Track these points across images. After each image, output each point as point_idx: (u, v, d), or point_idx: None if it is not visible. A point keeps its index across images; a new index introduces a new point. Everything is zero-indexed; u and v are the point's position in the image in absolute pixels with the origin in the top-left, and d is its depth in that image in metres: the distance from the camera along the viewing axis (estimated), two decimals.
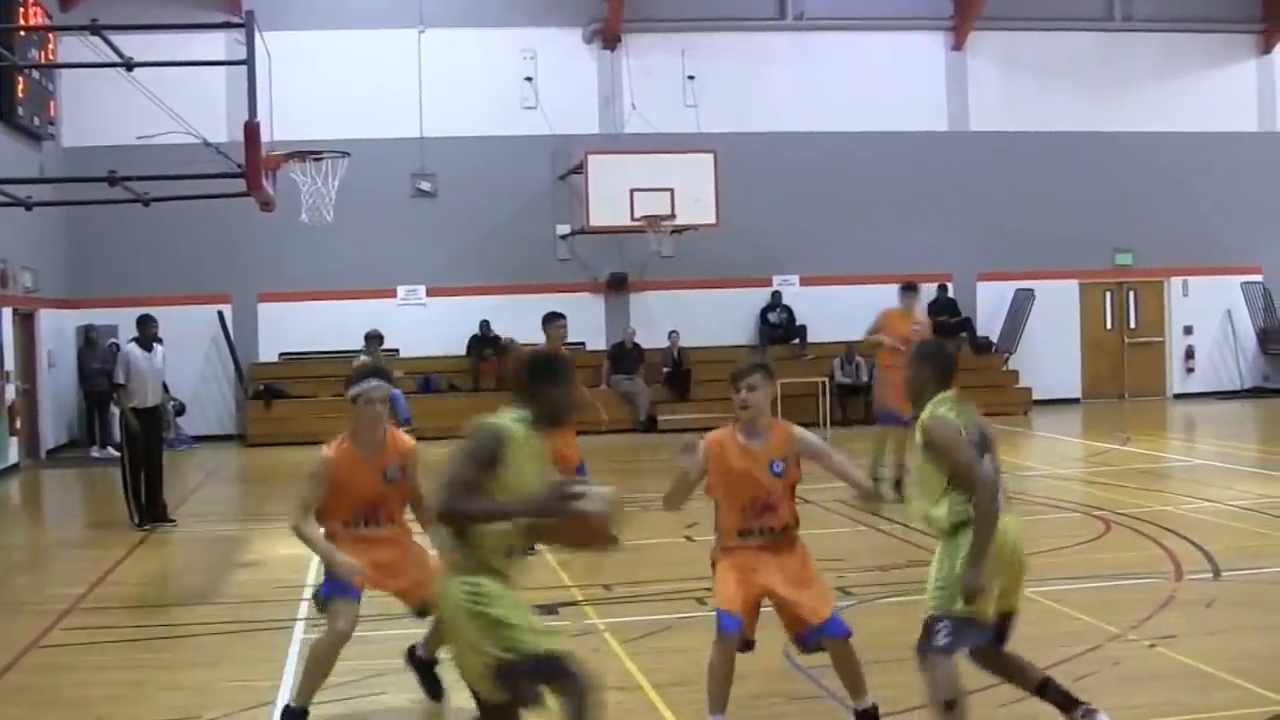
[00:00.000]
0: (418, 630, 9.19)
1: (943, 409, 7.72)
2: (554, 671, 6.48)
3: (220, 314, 30.37)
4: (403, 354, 29.92)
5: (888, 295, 31.35)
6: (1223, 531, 14.94)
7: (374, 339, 28.85)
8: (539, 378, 6.74)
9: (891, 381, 18.46)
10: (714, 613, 8.17)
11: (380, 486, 8.78)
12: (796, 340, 31.68)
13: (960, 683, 7.49)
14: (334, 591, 8.60)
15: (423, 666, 9.15)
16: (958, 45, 33.42)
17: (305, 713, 8.53)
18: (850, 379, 30.31)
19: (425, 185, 31.04)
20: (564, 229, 30.77)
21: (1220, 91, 34.99)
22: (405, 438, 8.98)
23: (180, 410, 28.99)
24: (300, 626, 11.45)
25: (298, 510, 8.72)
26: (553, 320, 16.01)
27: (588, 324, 30.58)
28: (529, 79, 31.21)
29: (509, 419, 6.60)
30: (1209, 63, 35.02)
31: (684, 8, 31.88)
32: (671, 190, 28.27)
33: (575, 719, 6.44)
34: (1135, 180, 33.83)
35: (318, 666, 8.61)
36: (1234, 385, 34.65)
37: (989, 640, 7.69)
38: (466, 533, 6.47)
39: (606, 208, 28.22)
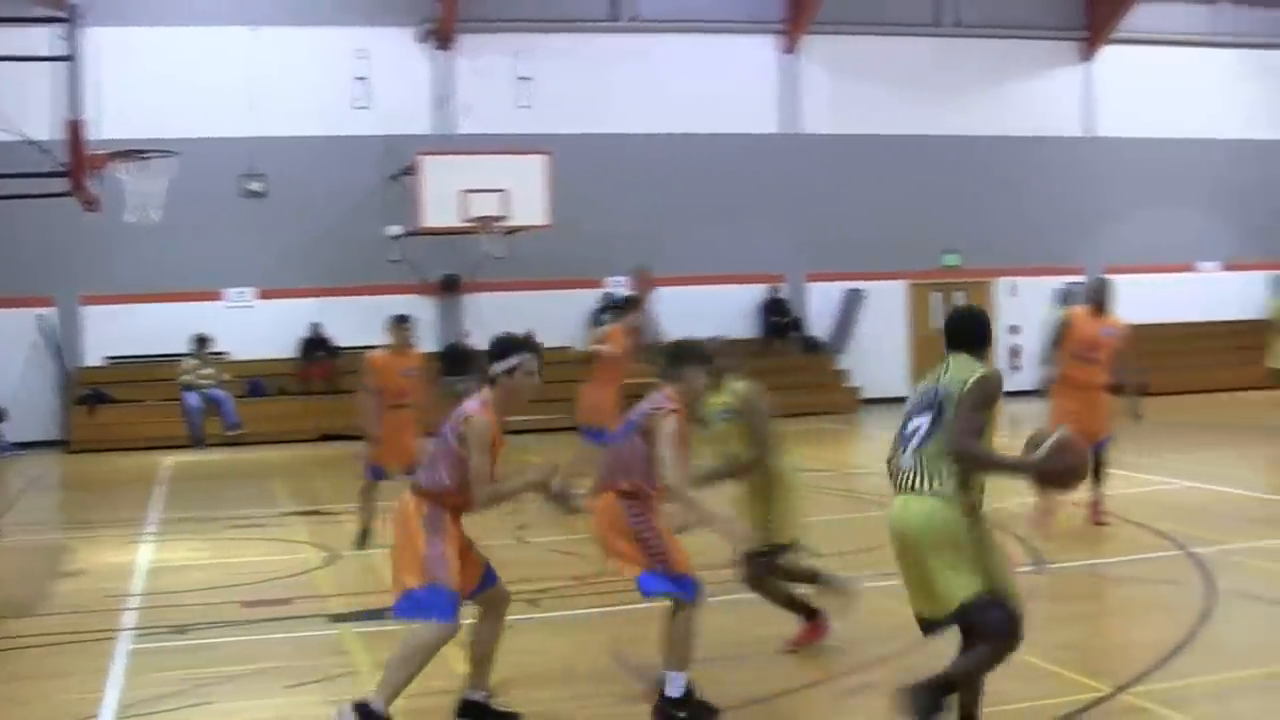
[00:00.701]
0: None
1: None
2: (1006, 623, 7.25)
3: (41, 317, 29.74)
4: (232, 357, 29.60)
5: (720, 295, 31.84)
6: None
7: (202, 341, 28.58)
8: (988, 331, 7.69)
9: (604, 394, 17.76)
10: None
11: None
12: None
13: None
14: (440, 615, 7.89)
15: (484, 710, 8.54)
16: (790, 49, 33.68)
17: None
18: None
19: (255, 185, 30.59)
20: (396, 230, 30.46)
21: (1045, 97, 35.78)
22: None
23: (0, 416, 28.38)
24: (127, 637, 11.24)
25: (484, 484, 8.11)
26: (399, 323, 15.97)
27: (420, 326, 30.38)
28: (361, 79, 30.87)
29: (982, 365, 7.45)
30: (1034, 69, 35.71)
31: (518, 8, 31.81)
32: (504, 191, 28.16)
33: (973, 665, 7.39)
34: (963, 183, 34.41)
35: (410, 664, 7.93)
36: None
37: None
38: (969, 476, 7.21)
39: (439, 209, 28.03)
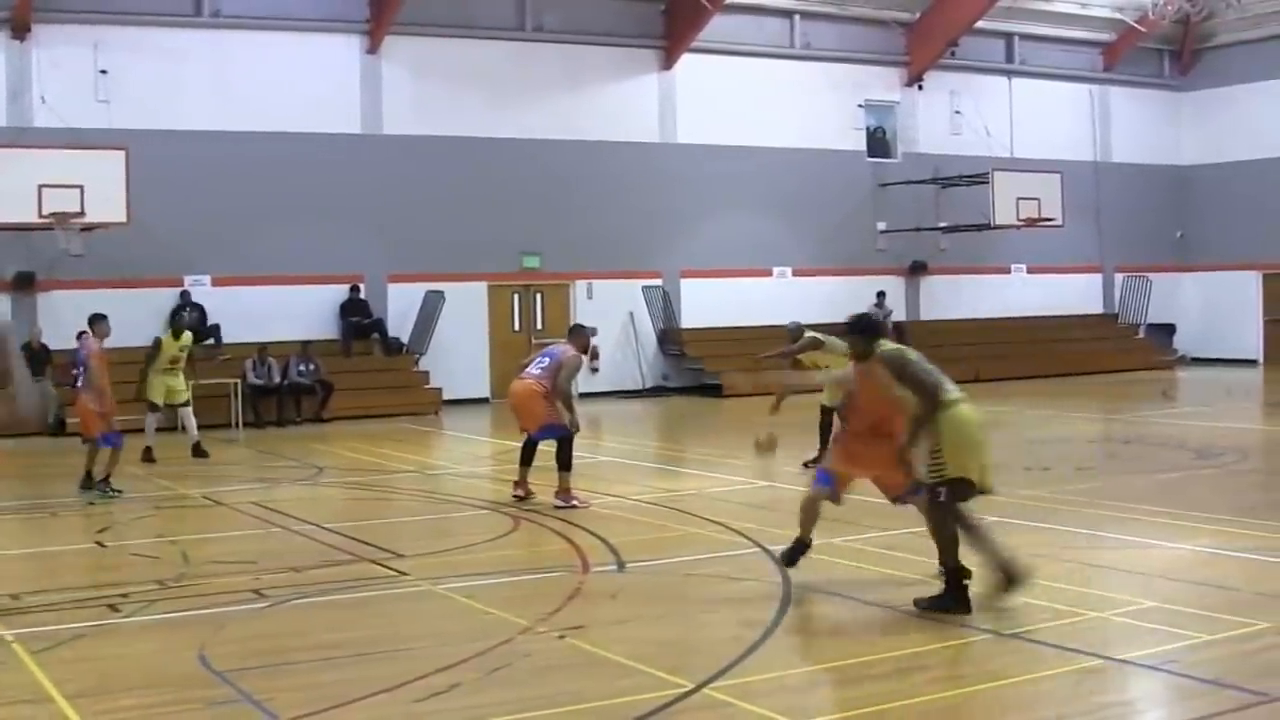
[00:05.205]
0: None
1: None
2: None
3: None
4: None
5: (300, 295, 31.71)
6: (627, 525, 15.55)
7: None
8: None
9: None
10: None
11: None
12: (211, 340, 31.05)
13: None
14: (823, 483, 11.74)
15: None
16: (372, 49, 33.69)
17: (809, 544, 11.78)
18: (263, 380, 30.10)
19: None
20: None
21: (625, 102, 36.61)
22: None
23: None
24: None
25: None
26: None
27: None
28: None
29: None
30: (614, 75, 36.55)
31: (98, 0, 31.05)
32: (81, 187, 27.52)
33: None
34: (543, 186, 34.98)
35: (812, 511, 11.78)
36: (636, 385, 36.19)
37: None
38: None
39: (12, 204, 27.13)
